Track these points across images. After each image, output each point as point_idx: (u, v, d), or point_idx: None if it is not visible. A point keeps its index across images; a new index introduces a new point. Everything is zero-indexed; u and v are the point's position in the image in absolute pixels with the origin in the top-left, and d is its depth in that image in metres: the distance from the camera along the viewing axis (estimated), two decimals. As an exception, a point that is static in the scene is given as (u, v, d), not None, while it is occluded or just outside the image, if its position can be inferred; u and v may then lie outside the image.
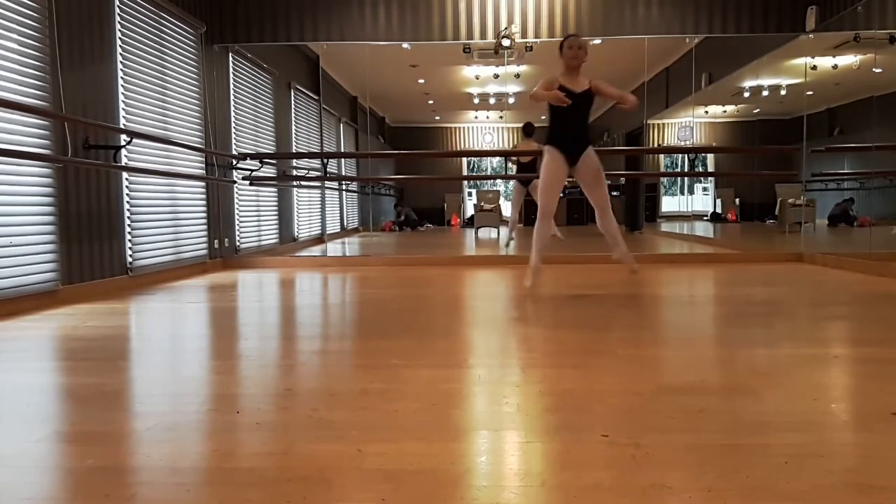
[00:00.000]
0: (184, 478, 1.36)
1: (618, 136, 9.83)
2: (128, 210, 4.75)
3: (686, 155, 8.26)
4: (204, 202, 5.93)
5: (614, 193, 11.28)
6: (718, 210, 9.05)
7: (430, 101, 10.58)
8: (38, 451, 1.54)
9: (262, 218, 7.00)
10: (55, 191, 3.97)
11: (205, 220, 5.94)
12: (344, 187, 9.00)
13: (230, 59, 6.41)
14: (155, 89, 5.13)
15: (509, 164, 8.31)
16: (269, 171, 6.86)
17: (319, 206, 8.39)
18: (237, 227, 6.51)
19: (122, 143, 4.51)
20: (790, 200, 7.32)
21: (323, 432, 1.63)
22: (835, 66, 6.55)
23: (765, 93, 7.93)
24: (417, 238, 10.03)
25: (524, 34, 6.38)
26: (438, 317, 3.46)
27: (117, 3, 4.64)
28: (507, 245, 7.58)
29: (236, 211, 6.49)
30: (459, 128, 11.47)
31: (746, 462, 1.39)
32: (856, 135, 6.39)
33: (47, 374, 2.33)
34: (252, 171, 6.49)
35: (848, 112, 6.52)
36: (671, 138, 9.07)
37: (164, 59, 5.28)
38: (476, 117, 11.19)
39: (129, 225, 4.76)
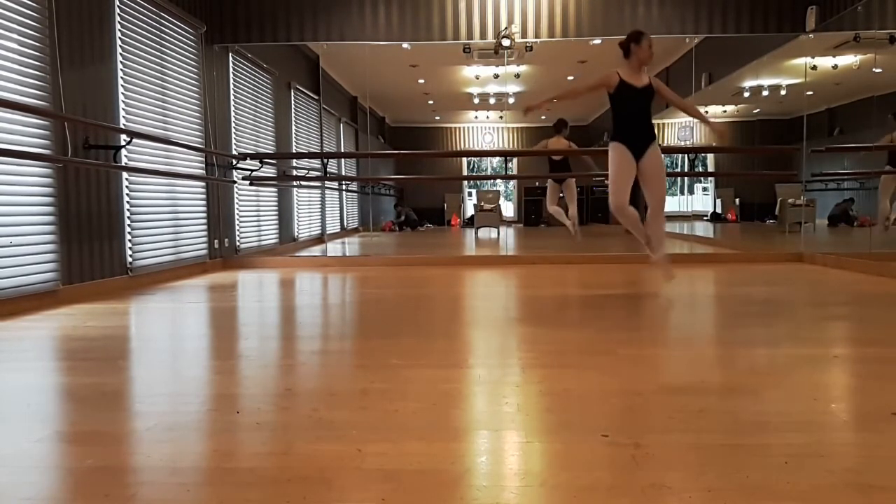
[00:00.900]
0: (184, 478, 1.36)
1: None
2: (128, 210, 4.75)
3: (686, 155, 8.28)
4: (204, 202, 5.93)
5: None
6: (718, 210, 9.05)
7: (430, 101, 10.58)
8: (38, 451, 1.54)
9: (262, 218, 7.00)
10: (55, 191, 3.97)
11: (205, 220, 5.94)
12: (344, 187, 9.00)
13: (230, 59, 6.41)
14: (155, 89, 5.13)
15: (509, 164, 8.29)
16: (269, 171, 6.86)
17: (319, 206, 8.39)
18: (237, 227, 6.51)
19: (122, 143, 4.50)
20: (790, 200, 7.32)
21: (323, 432, 1.63)
22: (835, 66, 6.55)
23: (765, 93, 7.93)
24: (417, 238, 10.03)
25: (524, 34, 6.38)
26: (438, 317, 3.46)
27: (117, 3, 4.64)
28: (576, 235, 7.33)
29: (236, 211, 6.49)
30: (459, 128, 11.48)
31: (746, 462, 1.40)
32: (856, 135, 6.39)
33: (47, 374, 2.33)
34: (252, 171, 6.49)
35: (848, 112, 6.52)
36: (671, 138, 9.07)
37: (164, 59, 5.28)
38: (476, 117, 11.19)
39: (129, 225, 4.76)
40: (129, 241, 4.77)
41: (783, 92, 7.67)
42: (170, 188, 5.35)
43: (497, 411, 1.79)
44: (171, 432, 1.64)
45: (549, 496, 1.26)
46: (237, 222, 6.50)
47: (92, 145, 4.28)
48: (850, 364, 2.33)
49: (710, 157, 8.81)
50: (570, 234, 7.33)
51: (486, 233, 9.86)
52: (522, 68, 8.09)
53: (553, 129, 7.35)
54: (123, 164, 4.56)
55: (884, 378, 2.10)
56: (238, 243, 6.50)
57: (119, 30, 4.66)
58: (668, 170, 9.75)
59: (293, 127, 7.66)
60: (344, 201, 9.09)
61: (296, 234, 7.70)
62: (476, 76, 8.81)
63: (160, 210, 5.20)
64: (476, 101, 9.98)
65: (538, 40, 6.46)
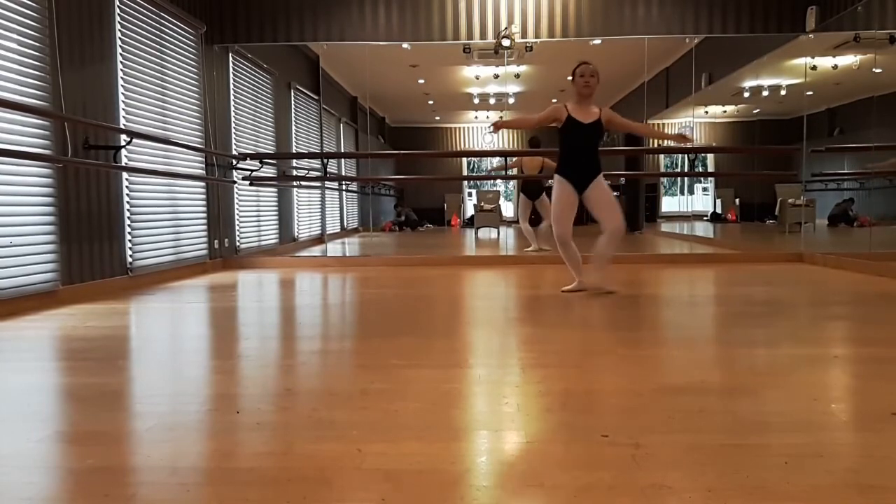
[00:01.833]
0: (184, 478, 1.36)
1: (618, 137, 9.82)
2: (128, 210, 4.75)
3: (686, 155, 8.27)
4: (204, 202, 5.93)
5: (614, 194, 11.28)
6: (718, 210, 9.05)
7: (430, 101, 10.58)
8: (39, 451, 1.54)
9: (261, 218, 7.00)
10: (55, 191, 3.97)
11: (205, 221, 5.94)
12: (344, 187, 9.00)
13: (230, 59, 6.41)
14: (155, 89, 5.13)
15: (509, 164, 8.28)
16: (269, 171, 6.86)
17: (319, 206, 8.39)
18: (237, 228, 6.51)
19: (122, 143, 4.50)
20: (790, 200, 7.32)
21: (323, 432, 1.63)
22: (835, 66, 6.55)
23: (765, 93, 7.93)
24: (417, 238, 10.03)
25: (524, 34, 6.38)
26: (438, 317, 3.46)
27: (117, 3, 4.64)
28: (536, 249, 7.28)
29: (236, 211, 6.49)
30: (459, 128, 11.48)
31: (746, 462, 1.40)
32: (856, 135, 6.39)
33: (48, 374, 2.33)
34: (252, 171, 6.49)
35: (848, 112, 6.52)
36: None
37: (164, 59, 5.28)
38: (476, 117, 11.19)
39: (129, 225, 4.76)
40: (129, 241, 4.77)
41: (783, 92, 7.67)
42: (170, 188, 5.35)
43: (497, 411, 1.79)
44: (171, 432, 1.64)
45: (549, 496, 1.26)
46: (237, 222, 6.50)
47: (92, 145, 4.28)
48: (850, 364, 2.33)
49: (710, 157, 8.81)
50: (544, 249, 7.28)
51: (486, 233, 9.86)
52: (522, 68, 8.10)
53: (529, 146, 7.49)
54: (123, 164, 4.56)
55: (884, 378, 2.10)
56: (238, 243, 6.50)
57: (119, 30, 4.66)
58: (669, 170, 9.79)
59: (293, 127, 7.66)
60: (344, 201, 9.09)
61: (296, 234, 7.70)
62: (476, 76, 8.82)
63: (160, 210, 5.20)
64: (476, 101, 9.98)
65: (538, 40, 6.46)
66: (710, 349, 2.57)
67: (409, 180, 10.96)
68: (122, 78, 4.67)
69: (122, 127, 4.62)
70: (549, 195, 7.30)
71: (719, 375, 2.15)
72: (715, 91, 7.86)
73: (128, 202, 4.75)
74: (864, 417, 1.73)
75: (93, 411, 1.85)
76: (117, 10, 4.64)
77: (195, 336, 3.06)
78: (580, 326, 3.08)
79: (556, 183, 3.99)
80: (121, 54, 4.66)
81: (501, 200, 10.74)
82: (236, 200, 6.48)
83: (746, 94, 8.18)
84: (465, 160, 11.61)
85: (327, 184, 8.27)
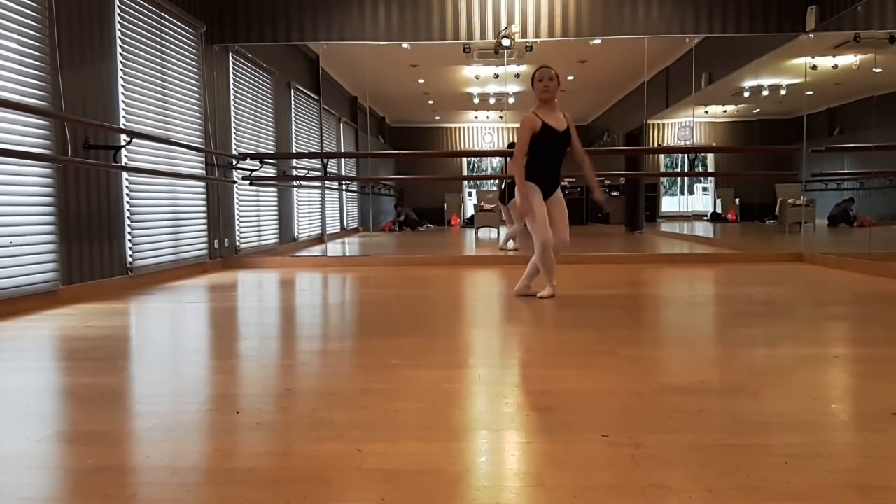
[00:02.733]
0: (184, 478, 1.36)
1: (618, 136, 9.83)
2: (128, 210, 4.75)
3: (686, 155, 8.28)
4: (204, 202, 5.93)
5: (614, 193, 11.29)
6: (718, 210, 9.05)
7: (430, 101, 10.58)
8: (39, 451, 1.54)
9: (261, 218, 7.00)
10: (55, 191, 3.97)
11: (205, 220, 5.94)
12: (344, 187, 9.00)
13: (230, 59, 6.41)
14: (155, 89, 5.13)
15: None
16: (269, 171, 6.86)
17: (319, 206, 8.39)
18: (237, 227, 6.51)
19: (122, 143, 4.51)
20: (790, 200, 7.32)
21: (323, 432, 1.63)
22: (835, 66, 6.55)
23: (765, 93, 7.93)
24: (417, 238, 10.03)
25: (524, 34, 6.38)
26: (438, 317, 3.46)
27: (117, 3, 4.64)
28: (507, 247, 7.54)
29: (236, 211, 6.49)
30: (459, 128, 11.47)
31: (746, 462, 1.40)
32: (856, 135, 6.39)
33: (47, 374, 2.33)
34: (252, 171, 6.49)
35: (848, 112, 6.52)
36: (671, 138, 9.07)
37: (164, 59, 5.28)
38: (476, 117, 11.18)
39: (129, 225, 4.76)
40: (129, 241, 4.77)
41: (783, 92, 7.67)
42: (170, 188, 5.35)
43: (497, 411, 1.79)
44: (171, 432, 1.64)
45: (549, 496, 1.26)
46: (237, 222, 6.50)
47: (92, 145, 4.28)
48: (850, 364, 2.33)
49: (710, 157, 8.81)
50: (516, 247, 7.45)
51: (486, 233, 9.86)
52: (522, 68, 8.09)
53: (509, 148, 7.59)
54: (123, 164, 4.57)
55: (884, 378, 2.10)
56: (238, 243, 6.50)
57: (119, 30, 4.66)
58: (669, 169, 9.80)
59: (293, 127, 7.66)
60: (344, 201, 9.09)
61: (296, 234, 7.70)
62: (476, 76, 8.81)
63: (160, 210, 5.20)
64: (476, 101, 9.98)
65: (538, 40, 6.46)
66: (710, 349, 2.57)
67: (409, 180, 10.96)
68: (122, 78, 4.67)
69: (122, 127, 4.62)
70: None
71: (719, 375, 2.15)
72: (715, 91, 7.86)
73: (128, 202, 4.75)
74: (864, 417, 1.73)
75: (93, 411, 1.85)
76: (117, 10, 4.64)
77: (195, 336, 3.06)
78: (580, 326, 3.08)
79: (531, 191, 3.89)
80: (121, 54, 4.66)
81: (501, 200, 10.73)
82: (236, 200, 6.48)
83: (746, 94, 8.18)
84: (465, 160, 11.61)
85: (327, 184, 8.27)
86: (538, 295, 4.02)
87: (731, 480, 1.31)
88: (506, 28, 6.33)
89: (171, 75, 5.39)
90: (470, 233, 10.36)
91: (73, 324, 3.27)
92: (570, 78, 8.46)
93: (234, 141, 6.40)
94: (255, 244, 6.83)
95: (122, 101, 4.67)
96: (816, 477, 1.32)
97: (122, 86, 4.68)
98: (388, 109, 10.47)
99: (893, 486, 1.28)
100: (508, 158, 8.11)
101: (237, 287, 4.80)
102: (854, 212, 6.70)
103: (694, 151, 7.34)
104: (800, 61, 6.64)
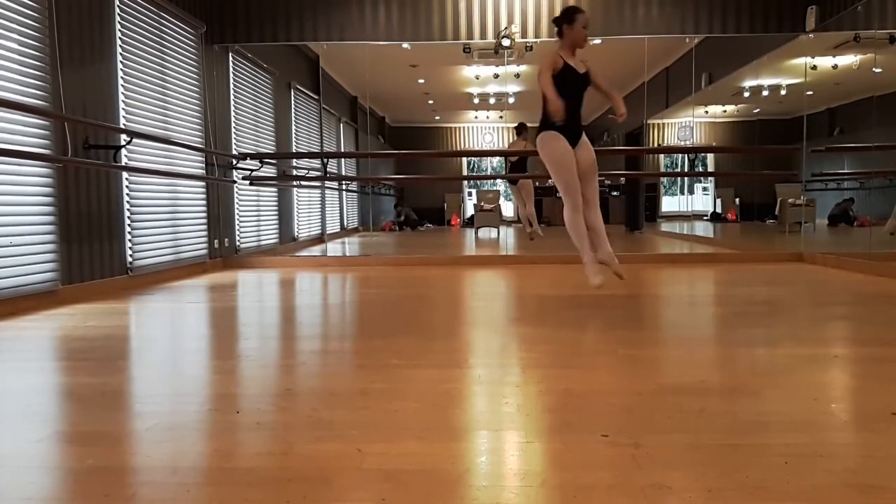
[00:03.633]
0: (184, 478, 1.36)
1: (618, 136, 9.83)
2: (128, 210, 4.75)
3: (686, 155, 8.27)
4: (204, 202, 5.93)
5: (614, 193, 11.29)
6: (718, 210, 9.05)
7: (430, 101, 10.58)
8: (39, 451, 1.54)
9: (261, 218, 7.00)
10: (55, 191, 3.97)
11: (205, 220, 5.94)
12: (344, 187, 9.00)
13: (230, 59, 6.41)
14: (155, 89, 5.13)
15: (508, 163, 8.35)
16: (269, 170, 6.86)
17: (319, 205, 8.39)
18: (237, 227, 6.51)
19: (122, 143, 4.50)
20: (790, 200, 7.32)
21: (323, 432, 1.63)
22: (835, 66, 6.55)
23: (765, 93, 7.93)
24: (417, 238, 10.03)
25: (524, 34, 6.38)
26: (438, 317, 3.46)
27: (117, 3, 4.64)
28: (538, 232, 7.66)
29: (236, 211, 6.49)
30: (459, 128, 11.47)
31: (746, 462, 1.39)
32: (856, 135, 6.39)
33: (47, 374, 2.33)
34: (252, 170, 6.49)
35: (848, 112, 6.52)
36: (671, 138, 9.07)
37: (164, 59, 5.28)
38: (476, 117, 11.18)
39: (129, 225, 4.76)
40: (129, 241, 4.77)
41: (783, 92, 7.67)
42: (170, 188, 5.35)
43: (497, 411, 1.79)
44: (171, 432, 1.64)
45: (549, 496, 1.26)
46: (237, 222, 6.50)
47: (92, 145, 4.28)
48: (850, 364, 2.33)
49: (710, 157, 8.81)
50: (541, 234, 7.55)
51: (486, 233, 9.86)
52: (522, 68, 8.09)
53: (515, 132, 7.76)
54: (123, 164, 4.56)
55: (884, 378, 2.10)
56: (238, 243, 6.50)
57: (119, 30, 4.66)
58: (669, 169, 9.80)
59: (293, 127, 7.66)
60: (344, 201, 9.09)
61: (296, 233, 7.70)
62: (476, 76, 8.81)
63: (160, 210, 5.20)
64: (476, 100, 9.98)
65: (538, 40, 6.46)
66: (710, 349, 2.57)
67: (409, 180, 10.96)
68: (122, 78, 4.67)
69: (122, 127, 4.62)
70: (545, 192, 7.65)
71: (719, 375, 2.15)
72: (715, 91, 7.86)
73: (128, 202, 4.75)
74: (864, 417, 1.73)
75: (93, 411, 1.85)
76: (117, 10, 4.64)
77: (195, 336, 3.06)
78: (580, 326, 3.08)
79: (550, 139, 3.58)
80: (121, 54, 4.66)
81: (501, 200, 10.74)
82: (236, 200, 6.48)
83: (746, 94, 8.18)
84: (465, 160, 11.61)
85: (327, 183, 8.27)
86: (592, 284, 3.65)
87: (731, 480, 1.31)
88: (506, 28, 6.33)
89: (171, 75, 5.39)
90: (470, 233, 10.36)
91: (72, 324, 3.27)
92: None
93: (234, 141, 6.40)
94: (255, 244, 6.83)
95: (122, 101, 4.67)
96: (816, 477, 1.32)
97: (122, 86, 4.68)
98: (388, 109, 10.48)
99: (893, 486, 1.28)
100: (513, 141, 8.13)
101: (237, 287, 4.80)
102: (854, 212, 6.70)
103: (694, 151, 7.34)
104: (800, 61, 6.64)
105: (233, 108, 6.40)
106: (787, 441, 1.52)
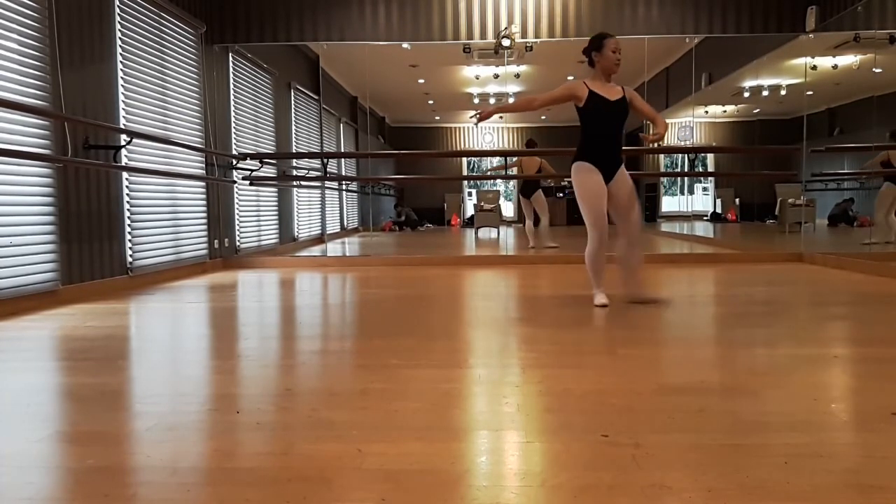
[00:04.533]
0: (184, 478, 1.36)
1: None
2: (128, 210, 4.75)
3: (686, 155, 8.27)
4: (204, 202, 5.93)
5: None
6: (718, 210, 9.06)
7: (430, 101, 10.58)
8: (39, 451, 1.54)
9: (261, 218, 7.00)
10: (55, 191, 3.97)
11: (205, 220, 5.94)
12: (344, 187, 9.00)
13: (230, 59, 6.41)
14: (155, 89, 5.13)
15: (509, 164, 8.31)
16: (269, 171, 6.86)
17: (319, 206, 8.39)
18: (237, 227, 6.51)
19: (122, 143, 4.50)
20: (790, 200, 7.32)
21: (323, 432, 1.63)
22: (835, 66, 6.55)
23: (765, 93, 7.93)
24: (417, 238, 10.03)
25: (524, 34, 6.38)
26: (438, 317, 3.46)
27: (117, 3, 4.64)
28: (544, 246, 7.44)
29: (236, 211, 6.49)
30: (459, 128, 11.48)
31: (746, 462, 1.40)
32: (856, 135, 6.39)
33: (48, 374, 2.33)
34: (252, 171, 6.49)
35: (848, 112, 6.52)
36: (671, 138, 9.07)
37: (164, 59, 5.28)
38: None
39: (129, 225, 4.76)
40: (129, 241, 4.77)
41: (783, 92, 7.67)
42: (170, 188, 5.35)
43: (497, 411, 1.79)
44: (171, 432, 1.64)
45: (549, 496, 1.26)
46: (237, 222, 6.50)
47: (92, 145, 4.28)
48: (850, 364, 2.33)
49: (710, 157, 8.81)
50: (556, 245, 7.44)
51: (486, 233, 9.86)
52: (522, 68, 8.10)
53: (527, 147, 7.59)
54: (123, 164, 4.56)
55: (884, 378, 2.10)
56: (238, 243, 6.50)
57: (119, 30, 4.66)
58: (669, 170, 9.80)
59: (293, 127, 7.66)
60: (344, 201, 9.09)
61: (296, 234, 7.70)
62: (476, 76, 8.82)
63: (160, 210, 5.20)
64: (476, 101, 9.98)
65: (538, 40, 6.46)
66: (710, 349, 2.57)
67: (409, 180, 10.96)
68: (122, 78, 4.67)
69: (122, 127, 4.62)
70: (544, 192, 7.49)
71: (719, 375, 2.15)
72: (715, 91, 7.86)
73: (128, 202, 4.75)
74: (864, 417, 1.73)
75: (93, 411, 1.85)
76: (117, 10, 4.64)
77: (195, 336, 3.06)
78: (580, 326, 3.08)
79: (581, 171, 3.46)
80: (121, 54, 4.66)
81: (501, 200, 10.75)
82: (236, 200, 6.48)
83: (746, 94, 8.18)
84: (465, 160, 11.61)
85: (327, 184, 8.27)
86: (596, 304, 3.55)
87: (731, 480, 1.31)
88: (506, 28, 6.33)
89: (171, 75, 5.39)
90: (470, 233, 10.36)
91: (73, 324, 3.27)
92: (570, 78, 8.45)
93: (234, 141, 6.40)
94: (255, 244, 6.83)
95: (122, 101, 4.67)
96: (816, 477, 1.32)
97: (122, 86, 4.68)
98: (388, 109, 10.48)
99: (893, 486, 1.28)
100: (505, 160, 8.11)
101: (237, 287, 4.79)
102: (854, 212, 6.70)
103: (694, 151, 7.34)
104: (800, 61, 6.64)
105: (233, 108, 6.40)
106: (787, 441, 1.52)
